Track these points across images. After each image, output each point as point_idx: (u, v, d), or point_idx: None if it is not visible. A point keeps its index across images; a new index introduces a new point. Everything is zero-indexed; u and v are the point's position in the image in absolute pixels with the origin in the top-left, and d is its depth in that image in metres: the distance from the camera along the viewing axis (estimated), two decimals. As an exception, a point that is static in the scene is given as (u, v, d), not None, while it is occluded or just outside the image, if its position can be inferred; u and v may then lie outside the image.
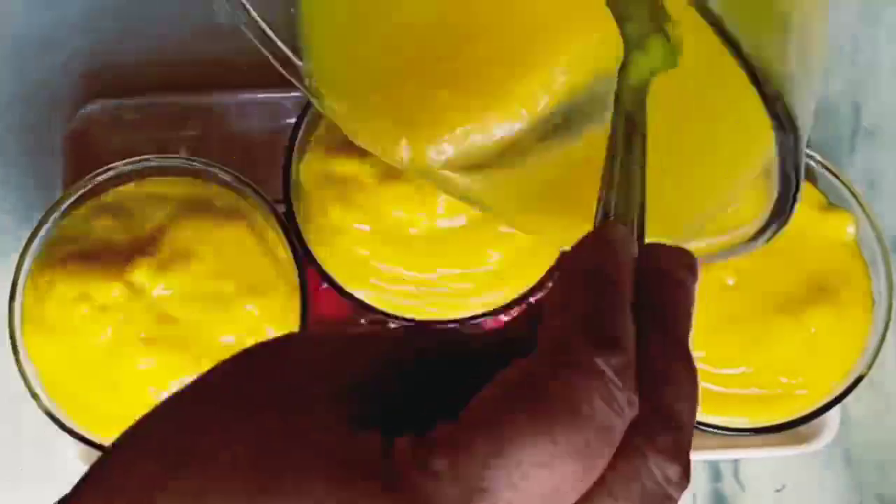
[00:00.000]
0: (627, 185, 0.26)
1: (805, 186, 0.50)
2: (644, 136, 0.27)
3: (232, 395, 0.24)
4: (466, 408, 0.22)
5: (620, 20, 0.30)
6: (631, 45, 0.29)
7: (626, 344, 0.22)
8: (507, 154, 0.37)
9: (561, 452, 0.21)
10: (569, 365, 0.21)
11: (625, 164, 0.27)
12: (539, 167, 0.36)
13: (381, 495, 0.21)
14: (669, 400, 0.24)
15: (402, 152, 0.36)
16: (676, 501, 0.22)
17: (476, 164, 0.37)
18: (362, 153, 0.42)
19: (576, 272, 0.24)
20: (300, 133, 0.48)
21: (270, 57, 0.39)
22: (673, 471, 0.23)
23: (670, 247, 0.26)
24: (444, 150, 0.36)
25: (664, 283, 0.25)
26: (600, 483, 0.22)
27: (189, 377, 0.47)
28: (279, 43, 0.39)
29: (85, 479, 0.25)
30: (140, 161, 0.49)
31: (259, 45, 0.39)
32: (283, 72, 0.39)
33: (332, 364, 0.25)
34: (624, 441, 0.22)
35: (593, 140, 0.33)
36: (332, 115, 0.39)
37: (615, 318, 0.23)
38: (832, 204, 0.50)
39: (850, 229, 0.49)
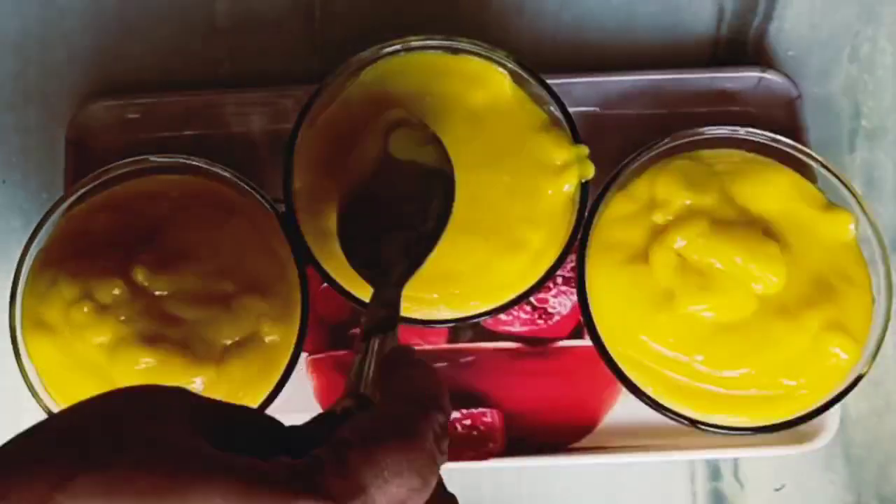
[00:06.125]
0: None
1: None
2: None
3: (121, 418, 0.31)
4: (339, 434, 0.31)
5: None
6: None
7: (448, 413, 0.34)
8: None
9: (411, 469, 0.31)
10: (424, 415, 0.33)
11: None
12: None
13: (283, 487, 0.29)
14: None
15: None
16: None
17: None
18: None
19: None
20: (300, 133, 0.48)
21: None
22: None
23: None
24: None
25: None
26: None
27: (189, 377, 0.47)
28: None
29: None
30: (140, 160, 0.49)
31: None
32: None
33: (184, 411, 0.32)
34: None
35: None
36: None
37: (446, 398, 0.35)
38: (832, 203, 0.50)
39: (850, 229, 0.49)
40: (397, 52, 0.49)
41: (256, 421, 0.35)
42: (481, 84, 0.49)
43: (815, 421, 0.50)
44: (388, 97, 0.49)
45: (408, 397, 0.34)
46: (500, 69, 0.49)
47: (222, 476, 0.29)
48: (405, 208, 0.46)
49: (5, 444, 0.30)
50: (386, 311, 0.41)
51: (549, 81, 0.49)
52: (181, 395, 0.33)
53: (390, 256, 0.45)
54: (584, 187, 0.48)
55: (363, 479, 0.30)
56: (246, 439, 0.32)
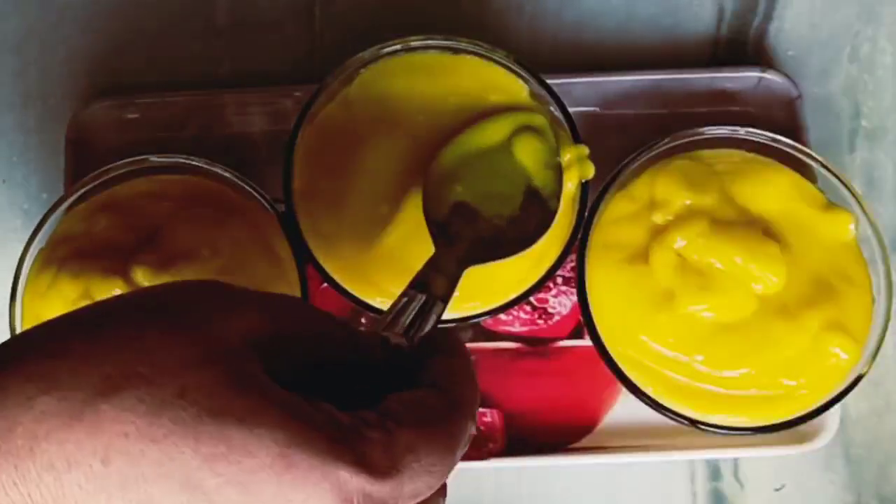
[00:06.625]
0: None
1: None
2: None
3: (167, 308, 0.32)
4: (388, 404, 0.32)
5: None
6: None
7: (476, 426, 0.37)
8: None
9: (441, 468, 0.32)
10: (466, 423, 0.34)
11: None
12: None
13: (326, 444, 0.30)
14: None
15: None
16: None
17: None
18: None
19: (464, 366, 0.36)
20: (300, 133, 0.48)
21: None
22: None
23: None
24: None
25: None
26: None
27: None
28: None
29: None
30: (141, 160, 0.49)
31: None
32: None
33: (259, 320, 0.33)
34: None
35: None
36: None
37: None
38: (832, 203, 0.50)
39: (850, 229, 0.49)
40: (397, 52, 0.49)
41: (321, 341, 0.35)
42: (496, 88, 0.50)
43: (815, 421, 0.50)
44: (389, 97, 0.49)
45: (455, 396, 0.34)
46: (518, 79, 0.50)
47: (275, 414, 0.30)
48: (496, 203, 0.47)
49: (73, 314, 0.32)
50: (442, 278, 0.41)
51: (549, 81, 0.49)
52: (248, 315, 0.32)
53: (462, 232, 0.45)
54: (584, 187, 0.48)
55: (402, 462, 0.31)
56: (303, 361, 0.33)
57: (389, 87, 0.49)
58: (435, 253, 0.43)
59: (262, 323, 0.33)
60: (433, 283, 0.40)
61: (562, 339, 0.54)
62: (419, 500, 0.32)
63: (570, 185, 0.48)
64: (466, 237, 0.45)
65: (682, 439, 0.52)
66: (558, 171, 0.48)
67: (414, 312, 0.38)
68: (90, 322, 0.31)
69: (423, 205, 0.46)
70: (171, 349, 0.30)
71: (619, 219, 0.50)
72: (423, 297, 0.39)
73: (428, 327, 0.38)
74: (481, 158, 0.48)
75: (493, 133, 0.48)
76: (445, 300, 0.40)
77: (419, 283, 0.40)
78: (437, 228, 0.46)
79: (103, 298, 0.33)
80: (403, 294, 0.39)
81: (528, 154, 0.48)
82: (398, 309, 0.38)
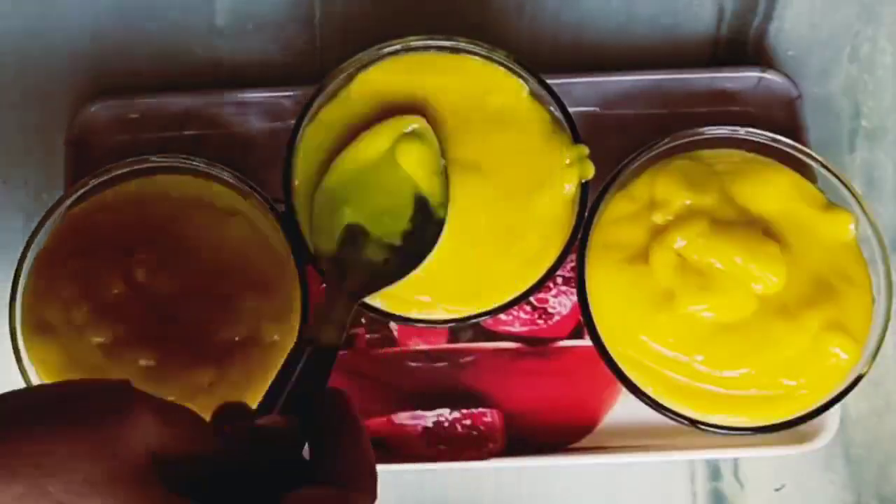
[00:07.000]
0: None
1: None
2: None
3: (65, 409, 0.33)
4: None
5: None
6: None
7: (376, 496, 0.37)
8: None
9: None
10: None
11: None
12: None
13: None
14: None
15: None
16: None
17: None
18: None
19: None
20: (300, 133, 0.48)
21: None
22: None
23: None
24: None
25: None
26: None
27: (189, 377, 0.47)
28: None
29: None
30: (140, 160, 0.49)
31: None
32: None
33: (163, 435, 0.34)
34: None
35: None
36: None
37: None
38: (832, 203, 0.50)
39: (850, 228, 0.49)
40: (397, 52, 0.49)
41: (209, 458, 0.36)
42: (496, 88, 0.50)
43: (815, 421, 0.50)
44: (389, 97, 0.49)
45: (352, 493, 0.36)
46: (519, 79, 0.50)
47: None
48: (385, 220, 0.47)
49: None
50: (330, 328, 0.42)
51: (549, 81, 0.49)
52: (144, 428, 0.33)
53: (354, 261, 0.46)
54: (584, 187, 0.48)
55: None
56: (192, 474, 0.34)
57: (389, 87, 0.49)
58: (326, 297, 0.44)
59: (161, 437, 0.33)
60: (322, 335, 0.41)
61: (562, 339, 0.54)
62: None
63: (570, 186, 0.48)
64: (359, 266, 0.45)
65: (682, 439, 0.52)
66: (444, 177, 0.47)
67: (301, 372, 0.40)
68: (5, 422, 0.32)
69: (311, 240, 0.46)
70: (80, 466, 0.31)
71: (619, 219, 0.50)
72: (311, 352, 0.40)
73: (320, 385, 0.40)
74: (366, 174, 0.47)
75: (374, 145, 0.47)
76: (338, 345, 0.41)
77: (307, 342, 0.41)
78: (329, 264, 0.45)
79: (14, 391, 0.34)
80: (289, 357, 0.40)
81: (413, 162, 0.47)
82: (279, 378, 0.40)
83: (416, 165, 0.47)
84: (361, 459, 0.37)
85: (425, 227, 0.47)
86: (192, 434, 0.35)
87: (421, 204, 0.47)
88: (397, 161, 0.47)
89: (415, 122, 0.47)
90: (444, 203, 0.47)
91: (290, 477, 0.35)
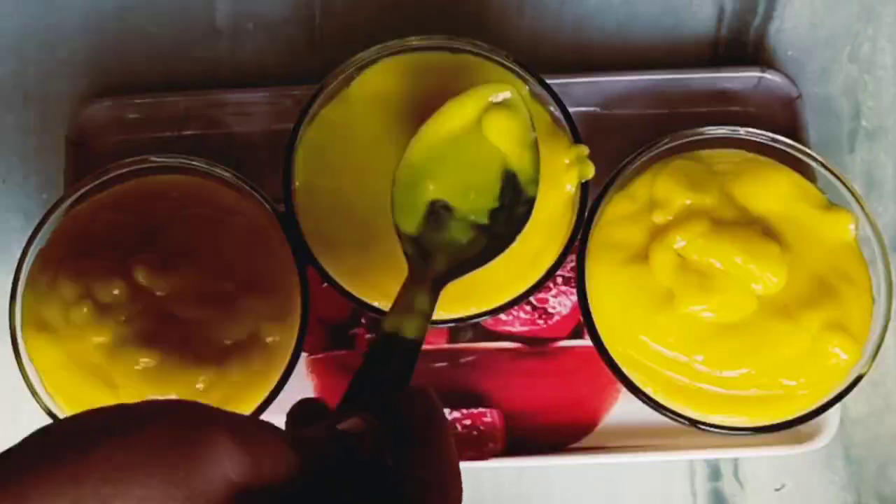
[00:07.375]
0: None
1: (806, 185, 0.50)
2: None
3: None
4: None
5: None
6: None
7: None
8: None
9: None
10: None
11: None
12: None
13: None
14: None
15: None
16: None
17: None
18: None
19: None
20: (300, 133, 0.48)
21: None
22: None
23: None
24: None
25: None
26: None
27: (189, 377, 0.47)
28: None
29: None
30: (140, 160, 0.49)
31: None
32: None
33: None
34: None
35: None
36: None
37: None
38: (832, 203, 0.50)
39: (851, 228, 0.49)
40: (397, 52, 0.49)
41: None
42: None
43: (815, 421, 0.50)
44: (389, 97, 0.49)
45: (442, 486, 0.33)
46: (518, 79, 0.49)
47: None
48: (472, 197, 0.43)
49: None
50: (413, 319, 0.38)
51: (549, 81, 0.49)
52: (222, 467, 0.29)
53: (438, 243, 0.42)
54: (584, 187, 0.48)
55: None
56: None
57: (389, 87, 0.49)
58: (407, 282, 0.40)
59: (242, 466, 0.29)
60: (405, 326, 0.38)
61: (562, 339, 0.54)
62: None
63: (570, 186, 0.48)
64: (443, 248, 0.42)
65: (682, 439, 0.52)
66: (535, 151, 0.43)
67: (382, 369, 0.36)
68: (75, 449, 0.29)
69: (392, 218, 0.43)
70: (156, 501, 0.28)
71: (619, 219, 0.50)
72: (392, 348, 0.37)
73: (404, 382, 0.36)
74: (451, 147, 0.43)
75: (459, 115, 0.44)
76: (423, 338, 0.38)
77: (389, 333, 0.37)
78: (411, 245, 0.42)
79: (94, 409, 0.30)
80: (370, 352, 0.36)
81: (501, 134, 0.44)
82: (361, 375, 0.36)
83: (504, 138, 0.44)
84: (449, 466, 0.34)
85: (514, 205, 0.43)
86: (273, 458, 0.30)
87: (510, 180, 0.43)
88: (484, 133, 0.44)
89: (504, 91, 0.44)
90: (536, 179, 0.43)
91: (369, 484, 0.32)
